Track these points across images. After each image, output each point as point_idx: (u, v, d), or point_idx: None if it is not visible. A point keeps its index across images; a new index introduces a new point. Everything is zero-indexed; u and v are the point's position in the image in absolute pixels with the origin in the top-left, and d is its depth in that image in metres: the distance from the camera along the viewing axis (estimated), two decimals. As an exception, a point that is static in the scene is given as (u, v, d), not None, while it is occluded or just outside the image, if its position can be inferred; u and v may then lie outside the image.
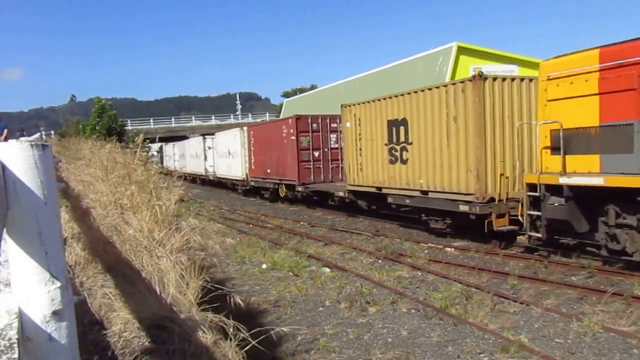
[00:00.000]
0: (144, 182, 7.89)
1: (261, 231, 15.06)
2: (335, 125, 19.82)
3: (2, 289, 2.04)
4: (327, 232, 14.52)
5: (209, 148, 32.13)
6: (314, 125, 19.95)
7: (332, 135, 20.11)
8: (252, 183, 24.67)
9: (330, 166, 20.06)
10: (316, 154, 19.94)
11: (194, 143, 36.69)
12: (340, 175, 19.09)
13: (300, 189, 19.65)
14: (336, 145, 19.78)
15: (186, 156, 39.51)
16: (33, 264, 1.69)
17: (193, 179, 36.77)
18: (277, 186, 21.95)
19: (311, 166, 19.75)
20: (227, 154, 28.08)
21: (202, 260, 5.96)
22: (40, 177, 1.69)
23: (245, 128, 26.12)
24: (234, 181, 27.64)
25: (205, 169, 32.83)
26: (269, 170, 22.31)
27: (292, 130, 19.86)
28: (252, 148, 24.43)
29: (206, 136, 33.57)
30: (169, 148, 47.99)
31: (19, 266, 1.70)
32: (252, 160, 24.42)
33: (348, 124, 15.72)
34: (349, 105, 15.79)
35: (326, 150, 20.06)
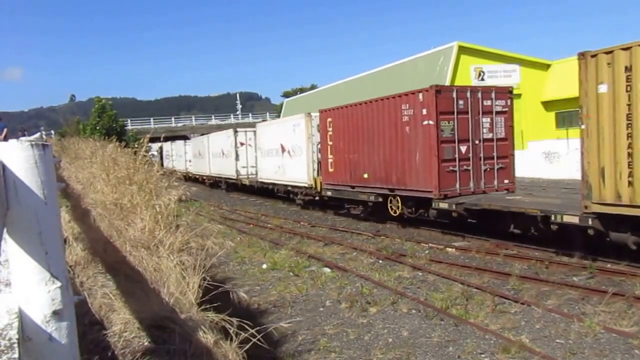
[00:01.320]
0: (145, 182, 7.89)
1: (261, 231, 15.06)
2: (488, 103, 13.07)
3: (3, 289, 2.03)
4: (328, 232, 14.51)
5: (242, 145, 26.45)
6: (460, 102, 12.66)
7: (484, 119, 13.01)
8: (329, 192, 17.12)
9: (483, 168, 13.03)
10: (463, 149, 12.74)
11: (220, 139, 29.77)
12: (495, 183, 13.19)
13: (444, 205, 12.22)
14: (490, 135, 13.09)
15: (206, 155, 33.10)
16: (33, 264, 1.68)
17: (215, 183, 32.01)
18: (381, 199, 14.48)
19: (456, 168, 12.60)
20: (278, 151, 21.14)
21: (202, 260, 5.96)
22: (41, 177, 1.68)
23: (315, 114, 18.42)
24: (291, 188, 20.28)
25: (237, 171, 26.66)
26: (366, 175, 14.93)
27: (425, 111, 12.54)
28: (331, 142, 16.71)
29: (239, 130, 27.47)
30: (178, 146, 43.45)
31: (19, 266, 1.69)
32: (331, 160, 16.80)
33: (603, 88, 8.39)
34: (608, 52, 8.38)
35: (477, 143, 12.92)
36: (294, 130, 19.62)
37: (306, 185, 18.85)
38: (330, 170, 16.96)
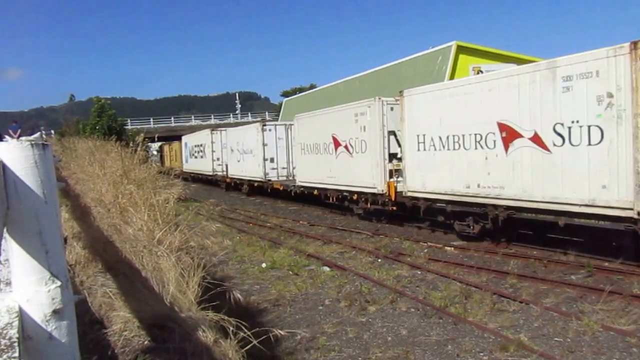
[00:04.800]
0: (143, 181, 7.90)
1: (261, 230, 15.07)
2: None
3: (3, 288, 2.04)
4: (327, 231, 14.51)
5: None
6: None
7: None
8: None
9: None
10: None
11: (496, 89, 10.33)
12: None
13: None
14: None
15: (369, 148, 14.44)
16: (33, 263, 1.69)
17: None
18: None
19: None
20: None
21: (201, 259, 5.97)
22: (41, 177, 1.69)
23: None
24: None
25: None
26: None
27: None
28: None
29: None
30: (240, 136, 26.11)
31: (19, 265, 1.70)
32: None
33: None
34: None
35: None
36: None
37: None
38: None
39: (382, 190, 13.98)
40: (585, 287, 7.82)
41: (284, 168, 22.85)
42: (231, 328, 4.02)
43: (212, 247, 6.94)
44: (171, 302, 4.19)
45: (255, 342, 4.02)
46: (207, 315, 4.27)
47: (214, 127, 32.47)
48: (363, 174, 14.63)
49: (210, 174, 30.14)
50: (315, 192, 17.96)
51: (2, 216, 1.57)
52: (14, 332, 1.53)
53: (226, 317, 4.17)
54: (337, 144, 16.25)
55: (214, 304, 4.64)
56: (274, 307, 7.80)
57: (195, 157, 34.28)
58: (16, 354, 1.45)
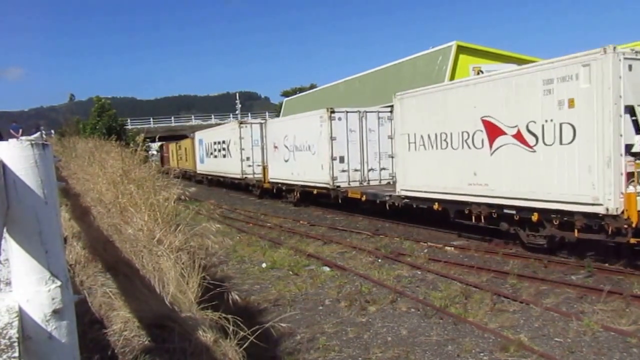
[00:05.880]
0: (144, 181, 7.90)
1: (261, 230, 15.06)
2: None
3: (3, 288, 2.04)
4: (327, 231, 14.51)
5: None
6: None
7: None
8: None
9: None
10: None
11: None
12: None
13: None
14: None
15: None
16: (33, 263, 1.69)
17: None
18: None
19: None
20: None
21: (201, 259, 5.97)
22: (41, 177, 1.69)
23: None
24: None
25: None
26: None
27: None
28: None
29: None
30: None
31: (19, 265, 1.70)
32: None
33: None
34: None
35: None
36: None
37: None
38: None
39: (615, 209, 8.11)
40: (586, 288, 7.82)
41: (356, 170, 17.28)
42: (231, 327, 4.02)
43: (212, 247, 6.94)
44: (171, 302, 4.19)
45: (252, 338, 4.02)
46: (207, 315, 4.27)
47: (242, 120, 26.55)
48: (564, 180, 8.92)
49: (239, 176, 24.70)
50: (436, 206, 12.23)
51: (2, 216, 1.57)
52: (14, 332, 1.53)
53: (226, 317, 4.16)
54: (494, 132, 10.39)
55: (213, 303, 4.64)
56: (274, 307, 7.80)
57: (215, 157, 28.55)
58: (16, 354, 1.45)
